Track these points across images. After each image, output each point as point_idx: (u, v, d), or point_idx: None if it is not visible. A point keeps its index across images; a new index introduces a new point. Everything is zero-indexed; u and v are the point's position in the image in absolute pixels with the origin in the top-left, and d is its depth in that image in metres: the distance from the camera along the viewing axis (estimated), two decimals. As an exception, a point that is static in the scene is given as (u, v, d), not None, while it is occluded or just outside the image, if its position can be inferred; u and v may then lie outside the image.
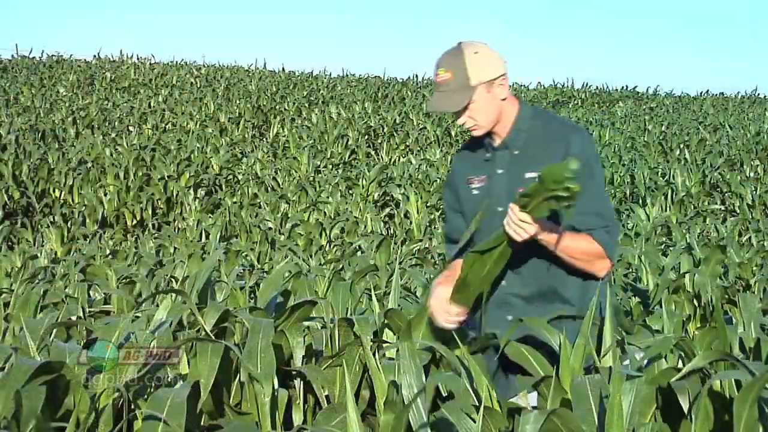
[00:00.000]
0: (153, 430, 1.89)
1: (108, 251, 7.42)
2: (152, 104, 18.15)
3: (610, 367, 2.14)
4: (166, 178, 11.42)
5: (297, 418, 2.67)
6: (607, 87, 26.62)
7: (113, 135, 14.59)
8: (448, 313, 2.45)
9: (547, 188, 2.11)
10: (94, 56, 25.34)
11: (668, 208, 10.45)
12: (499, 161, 2.53)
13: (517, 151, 2.50)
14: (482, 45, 2.48)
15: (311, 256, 7.27)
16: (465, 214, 2.60)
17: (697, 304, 4.26)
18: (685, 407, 2.08)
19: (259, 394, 2.08)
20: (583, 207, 2.33)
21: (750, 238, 8.22)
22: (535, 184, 2.15)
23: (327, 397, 2.66)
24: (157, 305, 3.13)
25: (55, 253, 8.33)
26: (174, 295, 3.43)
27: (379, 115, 18.07)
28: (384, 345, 2.78)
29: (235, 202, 11.00)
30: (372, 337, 2.79)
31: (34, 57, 24.10)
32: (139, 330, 2.52)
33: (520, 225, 2.25)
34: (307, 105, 19.56)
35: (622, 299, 4.45)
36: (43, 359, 2.30)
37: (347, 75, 25.86)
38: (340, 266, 6.03)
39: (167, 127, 16.16)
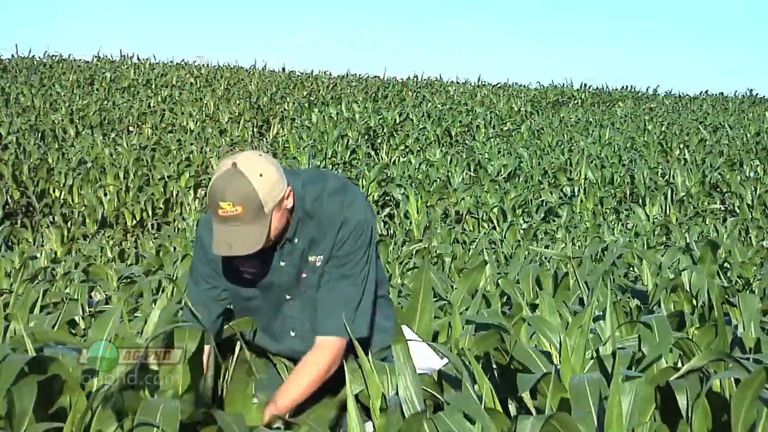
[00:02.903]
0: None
1: (110, 254, 7.40)
2: (152, 104, 18.14)
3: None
4: (166, 178, 11.42)
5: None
6: (607, 87, 26.61)
7: (113, 135, 14.58)
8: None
9: None
10: (94, 56, 25.34)
11: (668, 208, 10.43)
12: (279, 255, 2.33)
13: (297, 240, 2.32)
14: (260, 161, 2.19)
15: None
16: (234, 291, 2.40)
17: (695, 304, 4.24)
18: (683, 407, 2.07)
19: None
20: (333, 303, 2.28)
21: (750, 238, 8.21)
22: None
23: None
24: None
25: (55, 253, 8.32)
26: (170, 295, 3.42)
27: (379, 115, 18.05)
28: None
29: (235, 202, 10.96)
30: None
31: (34, 57, 24.06)
32: (136, 330, 2.51)
33: None
34: (307, 105, 19.55)
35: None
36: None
37: (348, 75, 25.85)
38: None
39: (167, 127, 16.15)
